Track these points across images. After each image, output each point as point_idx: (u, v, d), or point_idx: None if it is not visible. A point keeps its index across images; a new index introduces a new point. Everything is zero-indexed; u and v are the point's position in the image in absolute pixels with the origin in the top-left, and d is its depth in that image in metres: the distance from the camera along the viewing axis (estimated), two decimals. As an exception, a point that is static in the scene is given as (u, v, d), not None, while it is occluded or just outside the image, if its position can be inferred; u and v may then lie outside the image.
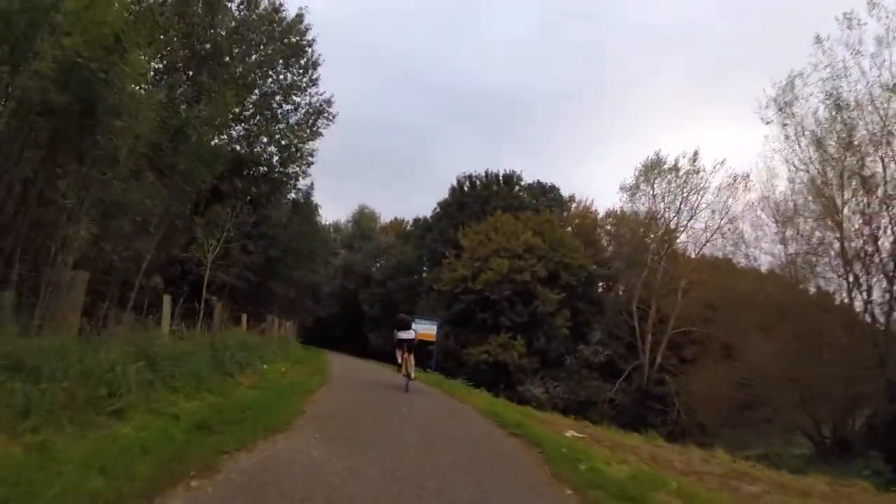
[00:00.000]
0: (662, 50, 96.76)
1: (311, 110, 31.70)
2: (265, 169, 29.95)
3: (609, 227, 48.81)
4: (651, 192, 40.04)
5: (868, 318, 21.61)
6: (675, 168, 39.08)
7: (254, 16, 27.39)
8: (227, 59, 27.24)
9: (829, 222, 22.20)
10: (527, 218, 36.56)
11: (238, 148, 29.31)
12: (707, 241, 39.52)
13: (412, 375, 12.06)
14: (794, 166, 23.49)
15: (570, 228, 44.73)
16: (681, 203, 39.74)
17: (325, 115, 32.11)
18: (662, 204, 39.94)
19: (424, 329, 24.50)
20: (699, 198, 38.51)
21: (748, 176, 35.20)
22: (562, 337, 34.56)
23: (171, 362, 7.55)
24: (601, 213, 49.14)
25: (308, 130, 31.48)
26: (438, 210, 45.03)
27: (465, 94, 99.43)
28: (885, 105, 19.63)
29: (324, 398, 9.04)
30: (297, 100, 31.76)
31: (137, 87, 10.54)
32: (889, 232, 20.49)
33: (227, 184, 26.53)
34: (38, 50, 7.55)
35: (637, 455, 8.31)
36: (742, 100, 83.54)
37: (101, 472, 3.54)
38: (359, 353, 37.07)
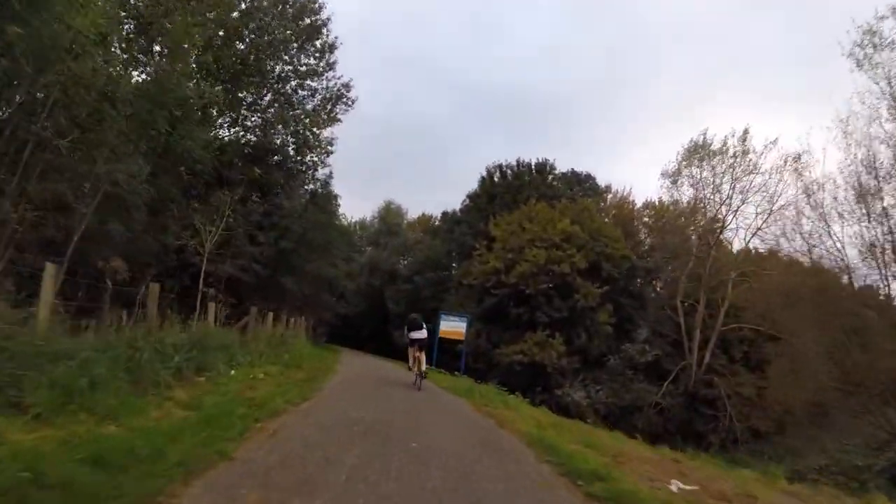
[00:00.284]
0: (696, 39, 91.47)
1: (328, 95, 28.85)
2: (279, 157, 27.24)
3: (646, 219, 44.47)
4: (698, 176, 35.63)
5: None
6: (723, 150, 34.62)
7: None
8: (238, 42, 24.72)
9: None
10: (563, 206, 32.86)
11: (248, 136, 26.73)
12: (759, 228, 34.90)
13: (424, 373, 12.02)
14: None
15: (607, 220, 40.72)
16: (731, 188, 35.16)
17: (344, 100, 29.25)
18: (708, 190, 35.49)
19: (452, 326, 21.19)
20: (749, 182, 34.03)
21: (800, 157, 31.05)
22: (604, 334, 30.70)
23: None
24: (638, 205, 44.91)
25: (325, 116, 28.64)
26: (467, 202, 41.64)
27: (491, 91, 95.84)
28: None
29: (289, 426, 5.75)
30: (314, 85, 28.94)
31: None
32: None
33: (234, 171, 23.87)
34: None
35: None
36: (780, 91, 77.69)
37: None
38: (383, 352, 33.90)
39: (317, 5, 27.19)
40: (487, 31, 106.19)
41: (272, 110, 27.13)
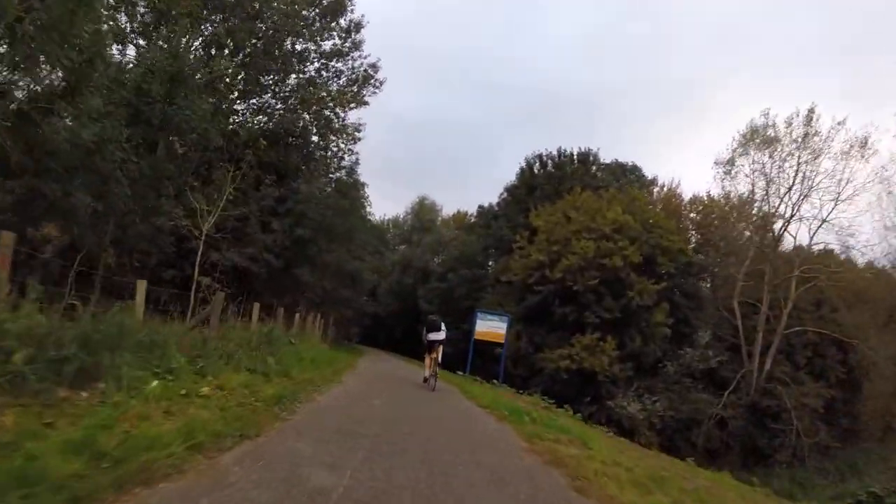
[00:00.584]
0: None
1: (353, 77, 25.92)
2: (299, 140, 24.43)
3: (693, 215, 39.94)
4: (761, 161, 30.99)
5: None
6: (788, 130, 29.96)
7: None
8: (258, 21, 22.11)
9: None
10: (611, 195, 28.94)
11: (267, 120, 24.04)
12: (824, 220, 30.10)
13: (437, 373, 11.63)
14: None
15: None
16: (794, 175, 30.39)
17: (372, 81, 26.27)
18: (773, 174, 30.84)
19: (490, 327, 17.68)
20: (816, 167, 29.35)
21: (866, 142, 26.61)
22: (660, 338, 26.59)
23: None
24: (685, 200, 40.44)
25: (350, 97, 25.69)
26: (505, 195, 38.09)
27: (527, 91, 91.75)
28: None
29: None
30: (340, 67, 26.07)
31: None
32: None
33: (247, 152, 21.11)
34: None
35: None
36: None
37: None
38: (416, 353, 30.48)
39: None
40: (522, 30, 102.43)
41: (293, 93, 24.48)
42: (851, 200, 28.95)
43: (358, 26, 25.20)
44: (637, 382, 25.17)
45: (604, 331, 23.97)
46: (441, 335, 11.46)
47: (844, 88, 66.71)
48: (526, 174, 36.93)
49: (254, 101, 24.39)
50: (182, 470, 3.40)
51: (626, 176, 39.86)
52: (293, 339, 12.45)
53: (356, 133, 25.69)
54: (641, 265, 25.70)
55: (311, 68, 25.01)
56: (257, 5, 21.65)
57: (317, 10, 23.97)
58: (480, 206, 39.84)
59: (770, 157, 30.77)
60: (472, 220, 43.72)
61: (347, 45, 25.47)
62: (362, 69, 25.64)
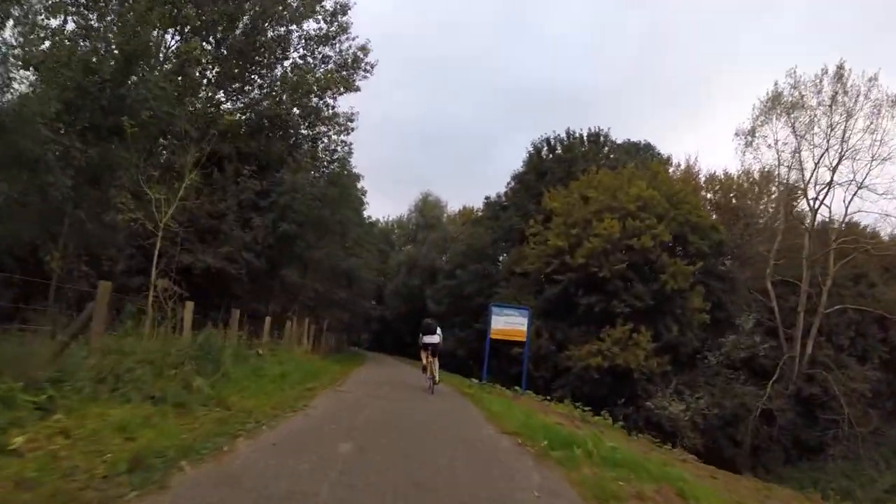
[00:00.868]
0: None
1: (342, 62, 23.13)
2: (283, 131, 21.75)
3: (710, 195, 36.73)
4: (789, 126, 27.62)
5: None
6: (818, 87, 26.60)
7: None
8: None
9: None
10: (630, 171, 25.81)
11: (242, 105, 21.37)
12: (860, 186, 26.78)
13: (437, 378, 11.24)
14: None
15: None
16: (826, 139, 27.01)
17: (362, 65, 23.43)
18: (795, 144, 27.48)
19: (507, 323, 14.52)
20: (850, 128, 26.01)
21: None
22: (697, 325, 23.36)
23: None
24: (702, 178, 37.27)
25: (338, 81, 22.87)
26: (513, 184, 35.05)
27: (526, 92, 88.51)
28: None
29: None
30: (328, 52, 23.32)
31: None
32: None
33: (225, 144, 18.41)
34: None
35: None
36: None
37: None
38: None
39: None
40: (520, 28, 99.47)
41: (278, 81, 21.77)
42: (891, 159, 25.64)
43: (344, 8, 22.45)
44: (675, 378, 21.95)
45: (635, 321, 20.80)
46: (436, 338, 11.38)
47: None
48: (534, 159, 33.90)
49: (235, 87, 21.66)
50: None
51: (640, 155, 36.64)
52: (261, 349, 9.54)
53: (349, 123, 22.92)
54: (671, 246, 22.57)
55: (295, 55, 22.31)
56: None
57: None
58: (487, 198, 36.76)
59: (796, 123, 27.44)
60: (479, 214, 40.70)
61: (334, 28, 22.72)
62: (351, 52, 22.85)
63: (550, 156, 33.95)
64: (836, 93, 26.43)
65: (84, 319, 5.14)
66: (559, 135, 34.01)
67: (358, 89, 22.93)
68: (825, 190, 27.65)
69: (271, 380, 7.77)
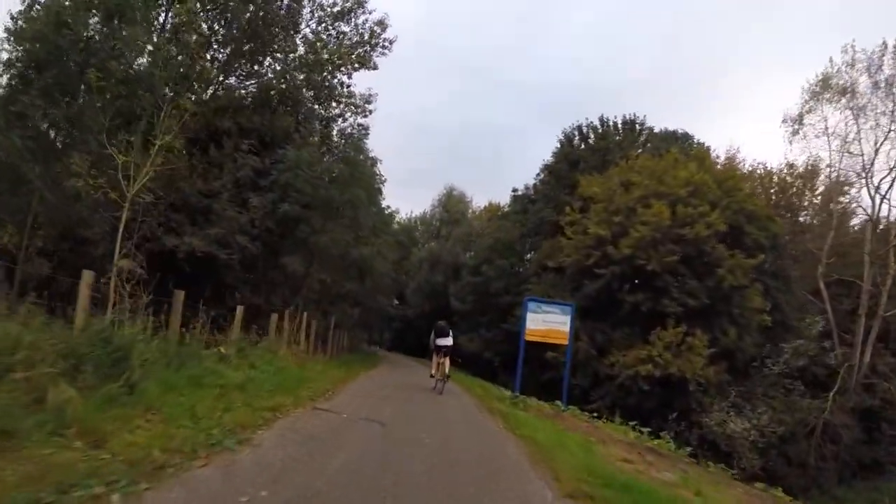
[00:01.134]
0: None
1: (358, 39, 20.60)
2: (291, 106, 19.35)
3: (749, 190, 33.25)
4: (839, 112, 24.01)
5: None
6: (876, 67, 22.89)
7: None
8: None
9: None
10: (673, 155, 22.70)
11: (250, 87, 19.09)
12: None
13: (446, 377, 11.25)
14: None
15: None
16: (893, 120, 23.31)
17: (380, 43, 20.86)
18: (846, 133, 23.86)
19: (546, 322, 11.53)
20: None
21: None
22: (756, 328, 20.13)
23: None
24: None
25: (355, 57, 20.35)
26: (543, 175, 32.19)
27: (549, 88, 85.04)
28: None
29: None
30: (345, 28, 20.79)
31: None
32: None
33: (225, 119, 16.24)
34: None
35: None
36: None
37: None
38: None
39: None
40: (542, 28, 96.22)
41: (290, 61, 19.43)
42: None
43: (359, -22, 19.89)
44: (734, 389, 18.74)
45: (689, 322, 17.72)
46: (449, 341, 11.21)
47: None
48: (565, 148, 31.01)
49: (245, 67, 19.38)
50: None
51: (679, 144, 33.35)
52: (224, 348, 7.03)
53: (366, 105, 20.48)
54: (727, 236, 19.42)
55: (307, 30, 19.96)
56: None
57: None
58: (514, 190, 33.86)
59: (852, 105, 23.80)
60: (506, 209, 37.87)
61: (350, 3, 20.27)
62: (368, 26, 20.36)
63: (583, 145, 31.11)
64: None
65: None
66: (591, 122, 31.09)
67: (375, 67, 20.54)
68: (887, 178, 24.04)
69: (219, 393, 5.23)
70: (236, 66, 18.71)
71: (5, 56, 12.75)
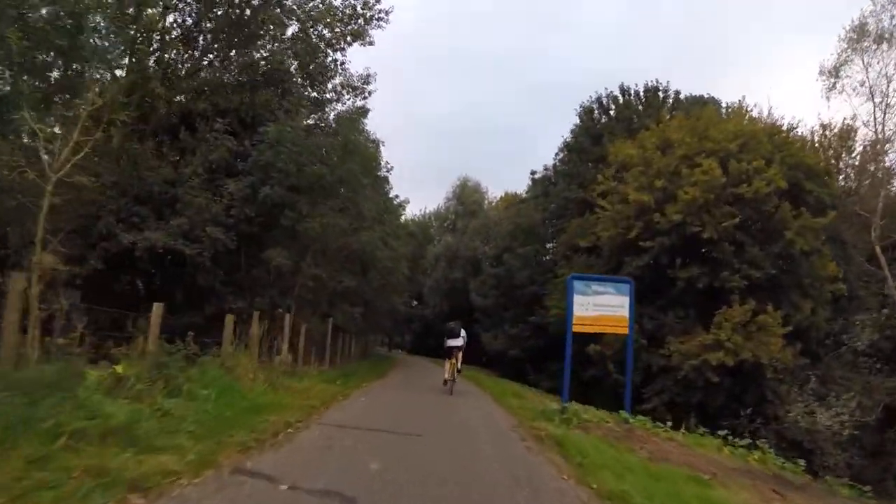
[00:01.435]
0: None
1: (350, 13, 17.90)
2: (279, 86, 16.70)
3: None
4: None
5: None
6: None
7: None
8: None
9: None
10: (712, 111, 19.64)
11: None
12: None
13: (456, 376, 11.34)
14: None
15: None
16: None
17: (376, 16, 18.14)
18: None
19: (597, 305, 8.41)
20: None
21: None
22: (826, 301, 16.95)
23: None
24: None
25: (345, 31, 17.66)
26: (562, 155, 29.31)
27: (561, 86, 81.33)
28: None
29: None
30: (335, 2, 18.10)
31: None
32: None
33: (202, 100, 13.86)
34: None
35: None
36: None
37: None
38: (470, 359, 21.78)
39: None
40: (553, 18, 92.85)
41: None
42: None
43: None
44: (810, 373, 15.56)
45: (755, 298, 14.61)
46: (459, 341, 11.16)
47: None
48: (585, 122, 28.09)
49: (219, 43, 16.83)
50: None
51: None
52: (125, 366, 4.38)
53: (365, 86, 17.89)
54: (785, 195, 16.29)
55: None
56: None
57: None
58: (532, 173, 30.85)
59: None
60: (524, 195, 34.95)
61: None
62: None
63: (604, 118, 28.16)
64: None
65: None
66: (611, 92, 28.08)
67: (372, 42, 17.92)
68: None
69: (64, 445, 2.59)
70: (221, 55, 16.30)
71: None
